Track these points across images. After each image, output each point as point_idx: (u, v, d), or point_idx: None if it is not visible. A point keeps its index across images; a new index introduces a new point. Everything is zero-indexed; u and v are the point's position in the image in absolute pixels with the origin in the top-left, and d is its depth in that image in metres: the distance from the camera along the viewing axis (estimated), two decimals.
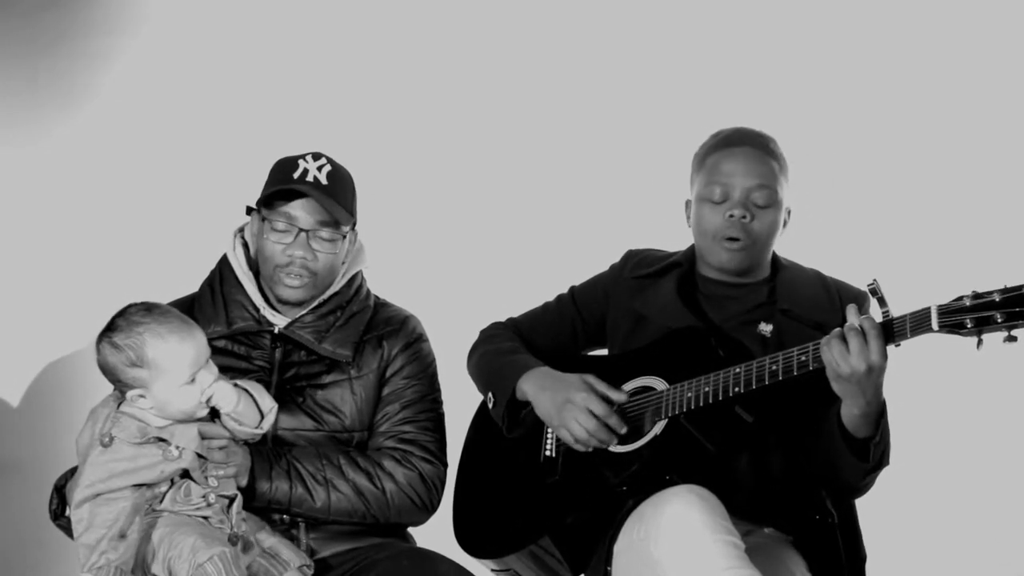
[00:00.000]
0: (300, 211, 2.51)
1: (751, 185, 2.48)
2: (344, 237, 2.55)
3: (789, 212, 2.57)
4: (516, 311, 2.84)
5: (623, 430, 2.44)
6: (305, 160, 2.54)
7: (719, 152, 2.53)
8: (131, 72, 3.57)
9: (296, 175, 2.51)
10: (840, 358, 2.16)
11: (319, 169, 2.53)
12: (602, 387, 2.48)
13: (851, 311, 2.20)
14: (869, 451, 2.29)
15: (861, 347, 2.15)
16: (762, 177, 2.49)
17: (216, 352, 2.45)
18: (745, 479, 2.44)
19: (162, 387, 2.24)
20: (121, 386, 2.27)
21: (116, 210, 3.52)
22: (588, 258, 2.85)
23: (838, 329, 2.19)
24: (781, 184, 2.51)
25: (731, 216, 2.48)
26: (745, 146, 2.51)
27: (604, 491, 2.41)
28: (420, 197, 3.63)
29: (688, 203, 2.62)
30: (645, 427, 2.44)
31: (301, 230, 2.50)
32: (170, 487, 2.25)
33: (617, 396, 2.47)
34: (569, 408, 2.46)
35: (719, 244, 2.50)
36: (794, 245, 2.62)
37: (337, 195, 2.52)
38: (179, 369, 2.25)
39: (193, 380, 2.26)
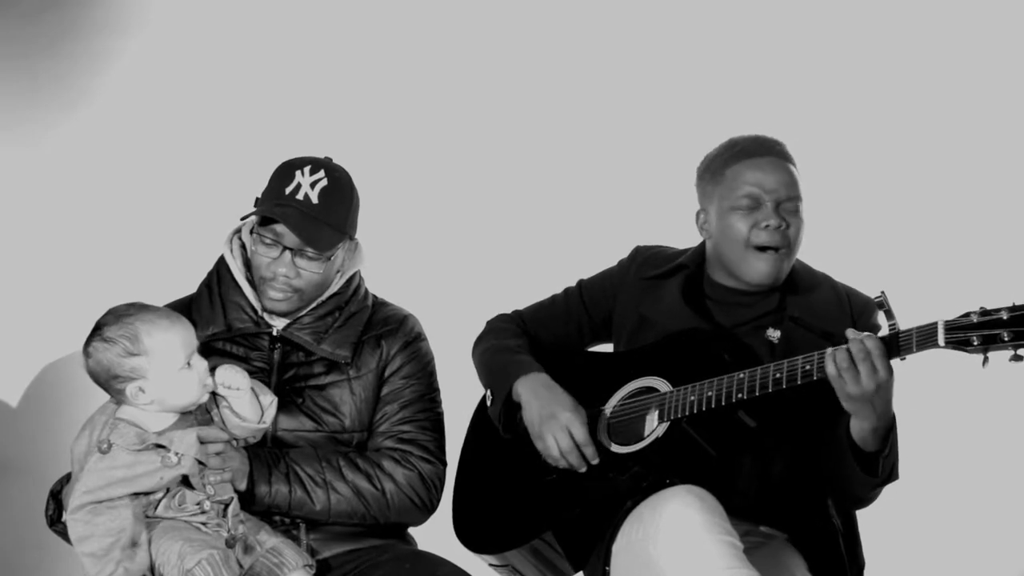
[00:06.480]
0: (286, 230, 2.50)
1: (782, 196, 2.48)
2: (330, 258, 2.54)
3: None
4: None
5: (595, 462, 2.46)
6: (303, 172, 2.52)
7: (741, 162, 2.51)
8: (131, 73, 3.57)
9: (289, 190, 2.50)
10: (851, 381, 2.18)
11: (313, 185, 2.50)
12: (583, 430, 2.47)
13: (850, 333, 2.21)
14: (878, 465, 2.30)
15: (870, 371, 2.17)
16: (789, 187, 2.49)
17: (214, 353, 2.46)
18: (747, 483, 2.45)
19: (160, 373, 2.25)
20: (118, 384, 2.26)
21: (116, 211, 3.52)
22: (587, 255, 2.86)
23: (842, 350, 2.19)
24: (801, 189, 2.52)
25: (767, 226, 2.47)
26: (768, 156, 2.51)
27: (602, 491, 2.42)
28: (420, 195, 3.63)
29: (700, 214, 2.60)
30: (647, 429, 2.44)
31: (286, 248, 2.50)
32: (164, 494, 2.25)
33: (590, 453, 2.46)
34: (552, 423, 2.48)
35: (753, 255, 2.49)
36: (804, 253, 2.60)
37: (326, 215, 2.50)
38: (174, 351, 2.26)
39: (189, 365, 2.27)
